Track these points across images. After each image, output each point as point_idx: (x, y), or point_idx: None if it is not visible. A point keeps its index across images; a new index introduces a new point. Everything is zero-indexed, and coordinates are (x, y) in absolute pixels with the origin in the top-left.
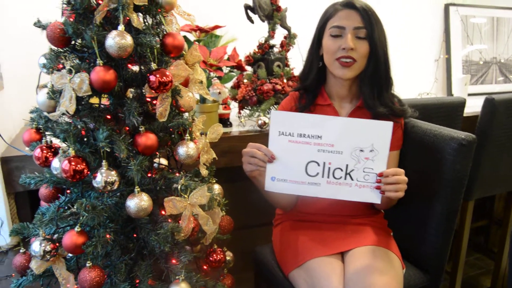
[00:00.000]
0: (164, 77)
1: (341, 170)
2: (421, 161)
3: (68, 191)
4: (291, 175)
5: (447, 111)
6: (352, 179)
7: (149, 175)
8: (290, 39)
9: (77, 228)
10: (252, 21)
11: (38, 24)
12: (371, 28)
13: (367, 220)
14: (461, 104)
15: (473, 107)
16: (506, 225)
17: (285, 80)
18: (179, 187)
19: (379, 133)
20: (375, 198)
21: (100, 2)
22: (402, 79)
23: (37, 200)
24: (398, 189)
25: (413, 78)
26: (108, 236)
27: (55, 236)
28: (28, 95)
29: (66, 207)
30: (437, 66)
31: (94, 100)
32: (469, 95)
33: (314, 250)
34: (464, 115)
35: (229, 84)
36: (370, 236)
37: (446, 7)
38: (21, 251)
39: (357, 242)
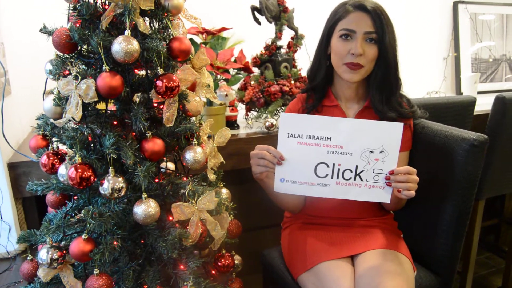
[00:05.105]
0: (171, 82)
1: (351, 171)
2: (432, 162)
3: (75, 197)
4: (300, 177)
5: (457, 110)
6: (361, 180)
7: (156, 180)
8: (297, 40)
9: (84, 236)
10: (259, 23)
11: (44, 30)
12: (382, 33)
13: (377, 222)
14: (471, 103)
15: (483, 105)
16: None
17: (292, 81)
18: (186, 193)
19: (389, 134)
20: (384, 197)
21: (106, 7)
22: (411, 78)
23: (44, 204)
24: (409, 187)
25: (422, 77)
26: (115, 243)
27: (62, 243)
28: (35, 101)
29: (73, 214)
30: (446, 64)
31: (101, 106)
32: (479, 93)
33: (323, 253)
34: (474, 113)
35: (236, 86)
36: (380, 238)
37: (455, 5)
38: (28, 258)
39: (367, 245)
